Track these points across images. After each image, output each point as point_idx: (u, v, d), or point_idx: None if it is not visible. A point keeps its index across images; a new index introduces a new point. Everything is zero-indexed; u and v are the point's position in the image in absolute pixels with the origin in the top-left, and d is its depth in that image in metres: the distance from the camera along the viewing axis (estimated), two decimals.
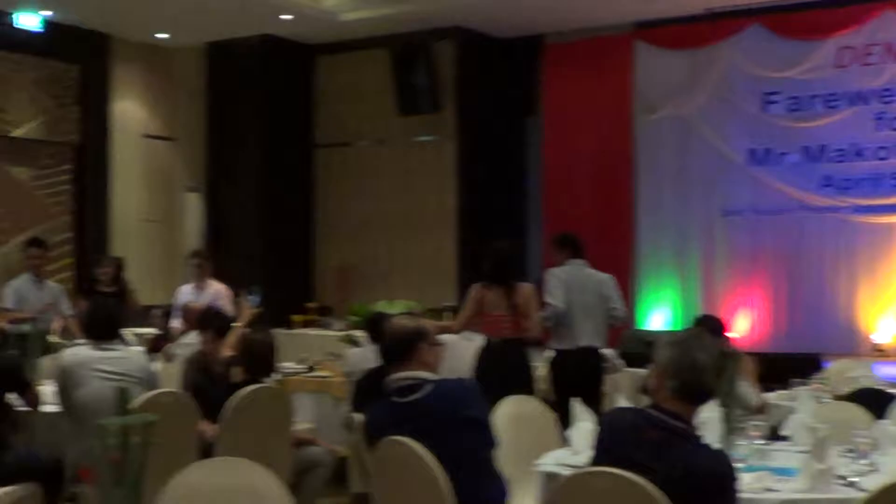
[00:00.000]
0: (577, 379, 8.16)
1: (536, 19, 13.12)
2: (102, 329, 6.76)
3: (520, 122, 14.14)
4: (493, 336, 8.14)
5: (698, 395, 3.94)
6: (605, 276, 8.75)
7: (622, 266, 12.73)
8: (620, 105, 13.19)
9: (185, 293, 10.70)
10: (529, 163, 14.06)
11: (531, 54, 13.80)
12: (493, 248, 8.40)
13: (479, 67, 13.71)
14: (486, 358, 8.07)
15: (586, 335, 8.48)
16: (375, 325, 8.00)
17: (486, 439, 4.79)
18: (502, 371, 7.78)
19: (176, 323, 10.41)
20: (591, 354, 8.51)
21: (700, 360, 3.89)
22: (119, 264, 11.24)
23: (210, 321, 7.66)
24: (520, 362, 8.11)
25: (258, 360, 6.87)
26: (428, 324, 5.12)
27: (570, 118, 13.49)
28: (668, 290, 13.02)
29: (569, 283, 8.55)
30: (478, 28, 13.55)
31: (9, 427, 6.43)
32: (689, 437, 3.86)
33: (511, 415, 5.71)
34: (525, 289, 8.24)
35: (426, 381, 4.77)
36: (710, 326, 7.53)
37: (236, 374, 6.85)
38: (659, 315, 12.96)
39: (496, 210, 13.53)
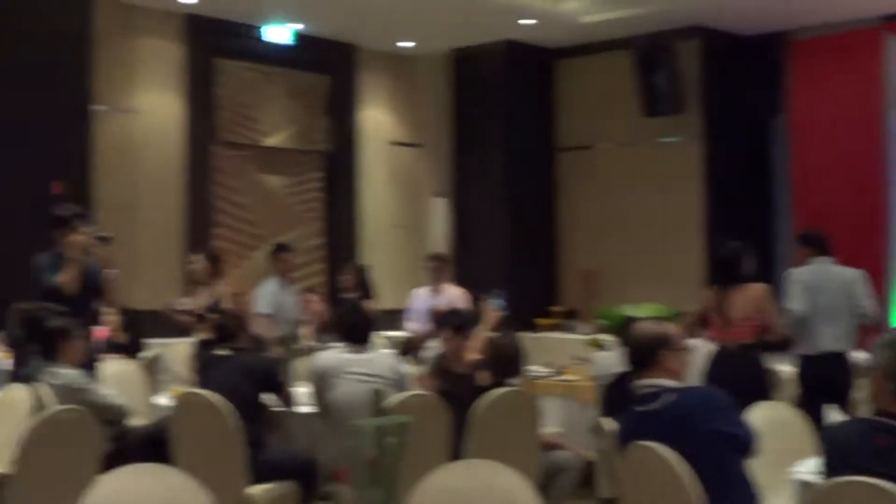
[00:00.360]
0: (822, 385, 7.91)
1: (781, 15, 12.81)
2: (355, 332, 6.92)
3: (765, 121, 13.83)
4: (723, 341, 7.76)
5: None
6: (853, 273, 8.35)
7: (877, 266, 12.32)
8: (871, 101, 12.73)
9: (421, 296, 10.78)
10: (776, 162, 13.74)
11: (776, 51, 13.49)
12: (721, 250, 8.14)
13: (723, 66, 13.49)
14: (715, 364, 7.67)
15: (829, 339, 8.13)
16: (625, 330, 7.96)
17: (731, 450, 4.60)
18: (731, 376, 7.15)
19: (413, 325, 10.51)
20: (835, 360, 8.13)
21: None
22: (361, 270, 11.43)
23: (448, 319, 7.77)
24: (750, 367, 7.61)
25: (505, 363, 6.92)
26: (673, 328, 4.98)
27: (818, 116, 13.12)
28: None
29: (810, 283, 8.24)
30: (721, 26, 13.32)
31: (264, 427, 6.67)
32: None
33: (764, 420, 5.59)
34: (755, 290, 7.74)
35: (667, 389, 4.67)
36: None
37: (483, 377, 6.91)
38: None
39: (743, 211, 13.27)
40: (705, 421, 4.56)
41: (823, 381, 8.01)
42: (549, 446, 6.96)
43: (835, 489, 3.88)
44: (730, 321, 7.71)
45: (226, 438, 5.99)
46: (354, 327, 7.01)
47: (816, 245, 8.42)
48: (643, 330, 4.92)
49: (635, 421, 4.74)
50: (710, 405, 4.64)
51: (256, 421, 6.47)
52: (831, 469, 3.98)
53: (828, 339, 8.12)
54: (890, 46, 12.68)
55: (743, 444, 4.63)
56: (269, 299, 10.11)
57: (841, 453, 3.97)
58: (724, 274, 7.87)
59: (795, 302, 8.19)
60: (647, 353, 4.77)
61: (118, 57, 12.03)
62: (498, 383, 6.73)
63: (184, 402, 6.41)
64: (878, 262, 12.39)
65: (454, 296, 10.59)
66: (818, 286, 8.23)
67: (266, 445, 6.53)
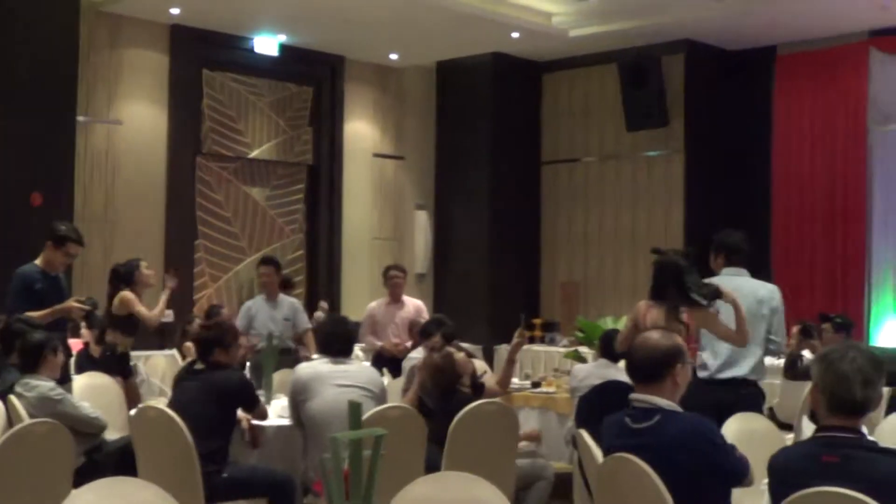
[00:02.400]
0: (712, 414, 5.74)
1: (768, 30, 12.88)
2: (338, 345, 6.88)
3: (750, 134, 13.86)
4: None
5: (850, 406, 3.84)
6: (765, 292, 6.86)
7: (855, 281, 12.47)
8: (854, 116, 12.81)
9: (380, 309, 10.36)
10: (759, 178, 13.75)
11: (762, 65, 13.55)
12: (659, 258, 6.63)
13: (709, 80, 13.55)
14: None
15: (729, 363, 6.74)
16: (608, 343, 7.94)
17: (716, 483, 4.36)
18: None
19: (371, 339, 10.12)
20: (731, 387, 6.71)
21: (844, 371, 3.83)
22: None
23: (437, 328, 7.72)
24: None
25: (441, 376, 6.83)
26: (680, 339, 4.56)
27: (801, 129, 13.20)
28: None
29: None
30: (708, 41, 13.37)
31: (234, 444, 6.60)
32: (864, 446, 3.79)
33: (737, 432, 5.57)
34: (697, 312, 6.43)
35: (661, 410, 4.40)
36: None
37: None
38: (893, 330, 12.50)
39: (725, 224, 13.20)
40: (693, 455, 4.32)
41: (714, 409, 6.09)
42: (528, 437, 6.91)
43: (804, 500, 3.85)
44: None
45: (181, 455, 5.88)
46: (337, 339, 6.96)
47: (724, 253, 7.01)
48: (656, 342, 4.52)
49: (621, 433, 4.52)
50: (701, 438, 4.34)
51: (219, 438, 6.33)
52: (776, 497, 3.90)
53: (723, 362, 6.78)
54: (874, 61, 12.73)
55: (733, 477, 4.45)
56: (245, 317, 9.86)
57: (785, 478, 3.89)
58: (661, 286, 6.46)
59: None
60: (660, 366, 4.43)
61: (103, 67, 12.03)
62: (441, 396, 6.68)
63: (141, 416, 6.33)
64: (857, 278, 12.51)
65: (416, 308, 10.33)
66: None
67: (231, 463, 6.40)
